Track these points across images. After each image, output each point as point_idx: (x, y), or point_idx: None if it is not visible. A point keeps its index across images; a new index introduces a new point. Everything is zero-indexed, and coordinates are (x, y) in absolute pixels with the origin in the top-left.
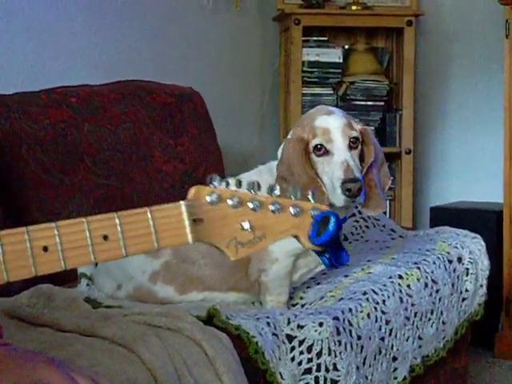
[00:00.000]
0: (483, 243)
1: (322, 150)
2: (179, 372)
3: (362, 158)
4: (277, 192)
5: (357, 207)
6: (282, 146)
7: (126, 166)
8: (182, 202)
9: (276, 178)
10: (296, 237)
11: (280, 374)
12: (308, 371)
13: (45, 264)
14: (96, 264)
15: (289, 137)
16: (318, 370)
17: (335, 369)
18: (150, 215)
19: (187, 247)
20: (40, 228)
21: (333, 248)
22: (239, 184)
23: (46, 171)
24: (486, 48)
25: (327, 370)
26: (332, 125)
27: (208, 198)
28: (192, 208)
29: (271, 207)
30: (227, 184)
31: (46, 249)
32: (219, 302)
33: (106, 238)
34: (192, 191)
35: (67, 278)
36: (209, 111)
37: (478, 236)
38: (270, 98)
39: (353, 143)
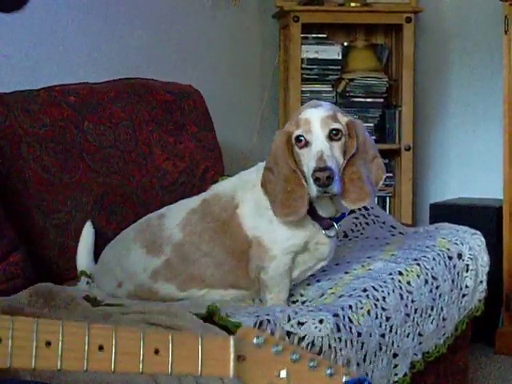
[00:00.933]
0: (483, 239)
1: (303, 142)
2: None
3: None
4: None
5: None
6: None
7: (126, 163)
8: (231, 337)
9: (264, 169)
10: None
11: None
12: None
13: (97, 362)
14: (96, 261)
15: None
16: None
17: None
18: (200, 340)
19: (189, 246)
20: (98, 327)
21: None
22: (284, 337)
23: (45, 169)
24: (485, 44)
25: None
26: (313, 116)
27: (255, 340)
28: (239, 345)
29: (309, 363)
30: (272, 332)
31: (101, 348)
32: (219, 300)
33: (157, 352)
34: (241, 331)
35: (67, 276)
36: (208, 109)
37: (478, 232)
38: (270, 96)
39: (334, 135)
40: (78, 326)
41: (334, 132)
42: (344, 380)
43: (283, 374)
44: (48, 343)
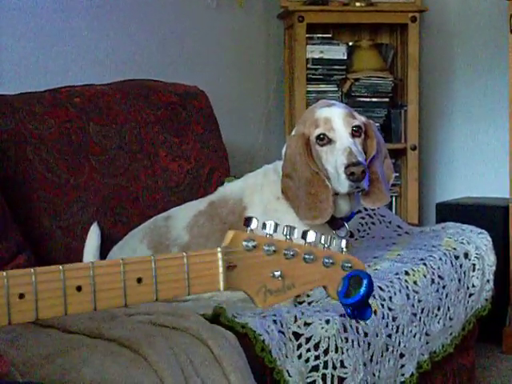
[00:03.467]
0: (489, 238)
1: (325, 140)
2: (186, 372)
3: (364, 151)
4: (311, 240)
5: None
6: (286, 145)
7: (132, 165)
8: (218, 249)
9: (281, 176)
10: (324, 287)
11: (287, 371)
12: (315, 368)
13: (76, 304)
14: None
15: (292, 134)
16: (325, 367)
17: (342, 366)
18: (185, 260)
19: (196, 248)
20: (76, 267)
21: (358, 305)
22: (275, 228)
23: (51, 171)
24: (490, 43)
25: (334, 368)
26: (334, 114)
27: (245, 244)
28: (228, 255)
29: (305, 256)
30: (264, 226)
31: (79, 288)
32: (225, 301)
33: (139, 281)
34: (230, 236)
35: None
36: (214, 109)
37: (484, 231)
38: (275, 96)
39: (355, 131)
40: (51, 272)
41: (354, 129)
42: (344, 267)
43: (277, 273)
44: (21, 296)
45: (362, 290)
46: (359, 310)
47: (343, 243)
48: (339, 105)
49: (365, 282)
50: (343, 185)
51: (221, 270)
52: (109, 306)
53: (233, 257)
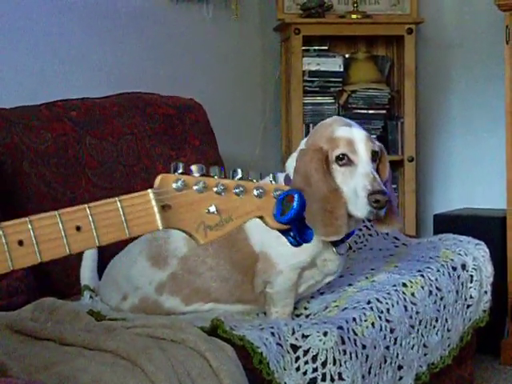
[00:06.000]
0: (487, 250)
1: (345, 160)
2: None
3: None
4: (239, 176)
5: (370, 222)
6: (291, 158)
7: (128, 178)
8: (149, 190)
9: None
10: (261, 217)
11: None
12: (313, 381)
13: (21, 258)
14: (99, 276)
15: (302, 147)
16: (323, 379)
17: (340, 378)
18: (119, 204)
19: (194, 259)
20: (14, 223)
21: (297, 226)
22: (202, 170)
23: (47, 185)
24: (486, 54)
25: (332, 380)
26: (356, 136)
27: (174, 185)
28: (159, 195)
29: (235, 190)
30: (191, 171)
31: (21, 243)
32: (223, 313)
33: (78, 228)
34: (158, 179)
35: (70, 291)
36: (210, 122)
37: (482, 243)
38: (272, 108)
39: (373, 156)
40: None
41: (373, 154)
42: (275, 195)
43: (212, 208)
44: None
45: (295, 203)
46: (300, 232)
47: (271, 177)
48: (358, 126)
49: (296, 196)
50: (362, 210)
51: (156, 209)
52: (53, 256)
53: (164, 197)
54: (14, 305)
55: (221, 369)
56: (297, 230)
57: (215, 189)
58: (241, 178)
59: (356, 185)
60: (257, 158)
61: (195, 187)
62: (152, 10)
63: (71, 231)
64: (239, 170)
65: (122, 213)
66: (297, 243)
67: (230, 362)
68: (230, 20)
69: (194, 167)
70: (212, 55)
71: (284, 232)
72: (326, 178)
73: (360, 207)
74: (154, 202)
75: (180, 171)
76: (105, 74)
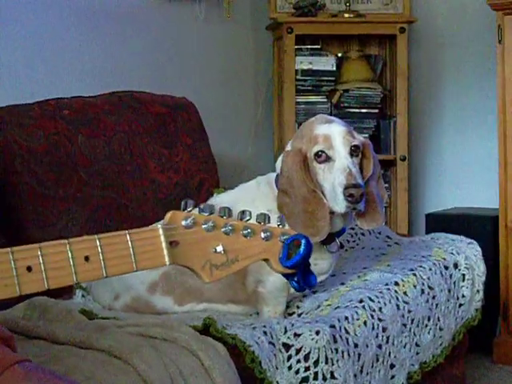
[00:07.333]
0: (479, 249)
1: (323, 157)
2: (175, 383)
3: (360, 171)
4: (247, 218)
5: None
6: (280, 158)
7: (121, 176)
8: (159, 226)
9: (278, 192)
10: (266, 260)
11: (277, 382)
12: (305, 380)
13: (29, 284)
14: None
15: (288, 148)
16: (316, 378)
17: (332, 377)
18: (128, 237)
19: None
20: (25, 249)
21: (302, 271)
22: (212, 209)
23: (40, 183)
24: (479, 54)
25: (324, 379)
26: (333, 131)
27: (184, 222)
28: (168, 231)
29: (243, 232)
30: (200, 210)
31: (29, 269)
32: (215, 312)
33: (87, 259)
34: (168, 215)
35: (62, 289)
36: (203, 121)
37: (474, 241)
38: (264, 107)
39: (353, 151)
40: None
41: (353, 148)
42: (282, 239)
43: (219, 248)
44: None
45: (302, 249)
46: (304, 277)
47: (279, 220)
48: (339, 122)
49: (303, 242)
50: (340, 205)
51: (164, 245)
52: (60, 284)
53: (173, 233)
54: (6, 304)
55: (213, 367)
56: (301, 275)
57: (223, 229)
58: (248, 220)
59: (333, 180)
60: (249, 156)
61: (204, 226)
62: (144, 10)
63: (80, 260)
64: (247, 212)
65: (130, 246)
66: (300, 288)
67: (222, 361)
68: (222, 19)
69: (203, 206)
70: (204, 54)
71: (288, 276)
72: (306, 179)
73: (338, 202)
74: (162, 238)
75: (189, 209)
76: (97, 72)
